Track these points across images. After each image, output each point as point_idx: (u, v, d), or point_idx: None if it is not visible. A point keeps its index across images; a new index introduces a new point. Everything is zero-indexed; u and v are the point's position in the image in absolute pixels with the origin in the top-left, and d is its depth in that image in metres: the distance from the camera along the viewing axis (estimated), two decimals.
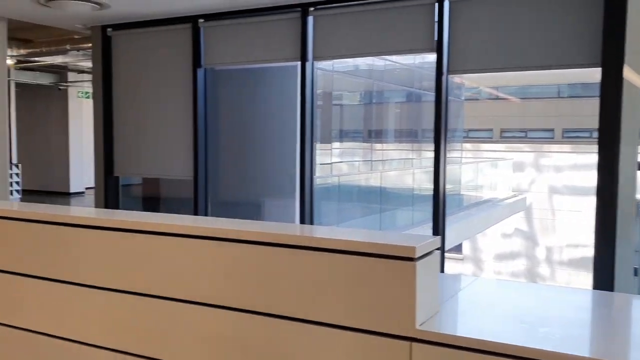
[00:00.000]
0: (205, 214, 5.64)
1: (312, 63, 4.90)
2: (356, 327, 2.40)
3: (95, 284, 3.23)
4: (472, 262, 17.54)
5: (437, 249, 2.47)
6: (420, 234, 2.93)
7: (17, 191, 14.12)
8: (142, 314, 3.02)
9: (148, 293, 3.00)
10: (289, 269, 2.57)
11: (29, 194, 15.06)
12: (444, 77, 4.30)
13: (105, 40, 5.93)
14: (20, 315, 3.59)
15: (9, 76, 13.06)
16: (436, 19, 4.30)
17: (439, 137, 4.26)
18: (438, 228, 4.22)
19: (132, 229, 3.06)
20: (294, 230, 3.02)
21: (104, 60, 5.95)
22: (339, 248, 2.44)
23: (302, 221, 4.98)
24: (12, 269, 3.57)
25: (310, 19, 4.85)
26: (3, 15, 5.65)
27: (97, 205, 6.10)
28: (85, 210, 3.92)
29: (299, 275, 2.53)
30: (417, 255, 2.28)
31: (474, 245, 17.21)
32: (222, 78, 5.79)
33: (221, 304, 2.77)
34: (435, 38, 4.32)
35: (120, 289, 3.12)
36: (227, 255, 2.76)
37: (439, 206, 4.22)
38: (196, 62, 5.43)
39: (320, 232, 2.67)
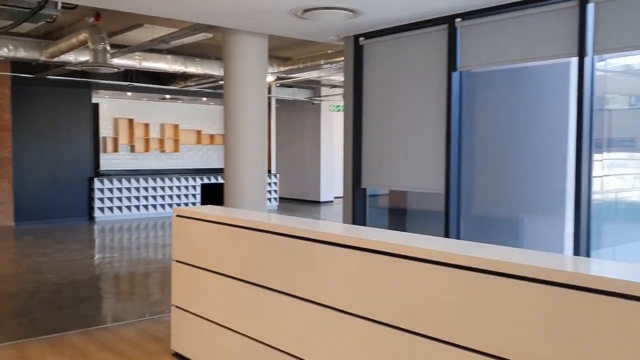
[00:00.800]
0: (457, 231, 5.15)
1: (592, 58, 4.10)
2: None
3: (341, 308, 2.96)
4: None
5: None
6: None
7: (275, 199, 15.27)
8: (391, 347, 2.65)
9: (398, 326, 2.62)
10: (596, 321, 1.92)
11: (284, 202, 16.21)
12: None
13: (357, 50, 5.84)
14: (262, 328, 3.51)
15: (270, 93, 14.22)
16: None
17: None
18: None
19: (385, 252, 2.73)
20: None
21: (355, 70, 5.86)
22: None
23: (576, 244, 4.20)
24: (259, 282, 3.52)
25: (590, 7, 4.07)
26: (264, 31, 5.90)
27: (344, 216, 6.02)
28: (334, 226, 3.73)
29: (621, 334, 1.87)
30: None
31: None
32: (479, 81, 5.25)
33: (490, 353, 2.26)
34: None
35: (366, 316, 2.80)
36: (500, 293, 2.22)
37: None
38: (451, 66, 4.99)
39: None
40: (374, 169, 5.71)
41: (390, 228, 6.11)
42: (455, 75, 5.02)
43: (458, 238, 5.10)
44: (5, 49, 8.36)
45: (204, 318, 3.86)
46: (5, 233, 10.83)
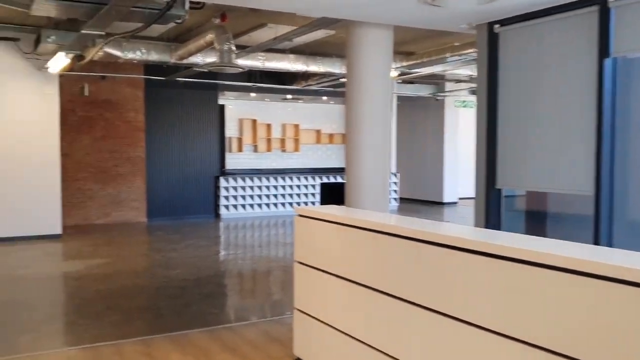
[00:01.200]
0: (609, 237, 4.55)
1: None
2: None
3: (477, 323, 2.58)
4: None
5: None
6: None
7: (395, 199, 14.91)
8: None
9: (539, 345, 2.22)
10: None
11: (404, 202, 15.80)
12: None
13: (491, 38, 5.37)
14: (388, 340, 3.19)
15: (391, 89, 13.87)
16: None
17: None
18: None
19: (531, 261, 2.32)
20: None
21: (489, 61, 5.40)
22: None
23: None
24: (384, 289, 3.20)
25: None
26: (390, 22, 5.60)
27: (476, 219, 5.57)
28: (467, 230, 3.36)
29: None
30: None
31: None
32: (637, 68, 4.61)
33: None
34: None
35: (505, 333, 2.40)
36: None
37: None
38: (603, 52, 4.41)
39: None
40: (511, 168, 5.22)
41: (527, 233, 5.57)
42: (607, 63, 4.43)
43: (610, 245, 4.50)
44: (138, 52, 8.74)
45: (327, 324, 3.64)
46: (138, 229, 11.42)
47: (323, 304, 3.72)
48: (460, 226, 3.46)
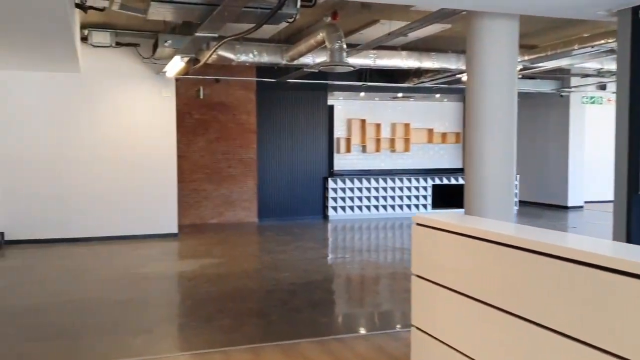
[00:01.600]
0: None
1: None
2: None
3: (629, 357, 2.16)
4: None
5: None
6: None
7: (514, 202, 14.07)
8: None
9: None
10: None
11: (524, 206, 14.87)
12: None
13: (636, 26, 4.74)
14: None
15: None
16: None
17: None
18: None
19: None
20: None
21: (633, 51, 4.76)
22: None
23: None
24: (516, 311, 2.78)
25: None
26: (515, 12, 5.12)
27: (615, 229, 4.96)
28: (617, 247, 2.88)
29: None
30: None
31: None
32: None
33: None
34: None
35: None
36: None
37: None
38: None
39: None
40: None
41: None
42: None
43: None
44: (250, 55, 8.77)
45: (450, 346, 3.29)
46: (249, 229, 11.55)
47: (445, 323, 3.37)
48: (613, 242, 2.98)
